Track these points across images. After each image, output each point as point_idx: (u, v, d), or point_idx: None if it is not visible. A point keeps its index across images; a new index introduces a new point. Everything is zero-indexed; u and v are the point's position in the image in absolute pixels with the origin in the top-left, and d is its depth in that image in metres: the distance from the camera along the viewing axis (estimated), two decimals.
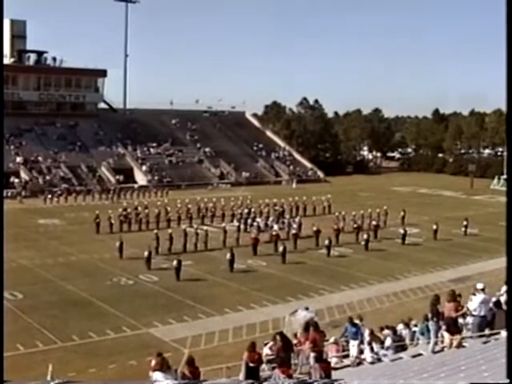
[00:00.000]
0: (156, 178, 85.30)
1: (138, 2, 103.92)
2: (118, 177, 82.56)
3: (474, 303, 16.40)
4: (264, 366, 14.94)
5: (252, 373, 14.47)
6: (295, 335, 19.24)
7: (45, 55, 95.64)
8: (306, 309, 19.97)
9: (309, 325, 16.08)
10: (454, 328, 15.13)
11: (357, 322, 19.99)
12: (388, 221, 54.31)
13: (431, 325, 16.80)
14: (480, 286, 17.35)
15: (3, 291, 28.11)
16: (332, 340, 20.44)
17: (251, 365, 14.44)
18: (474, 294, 16.78)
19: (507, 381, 8.55)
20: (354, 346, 17.59)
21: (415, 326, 21.27)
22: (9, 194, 70.14)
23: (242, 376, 14.89)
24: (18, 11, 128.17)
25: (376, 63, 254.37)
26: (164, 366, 13.72)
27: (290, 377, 11.85)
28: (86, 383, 21.56)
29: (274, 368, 13.48)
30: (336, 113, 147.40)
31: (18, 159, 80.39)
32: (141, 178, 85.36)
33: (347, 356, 19.51)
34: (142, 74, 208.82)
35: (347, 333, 17.88)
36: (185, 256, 40.46)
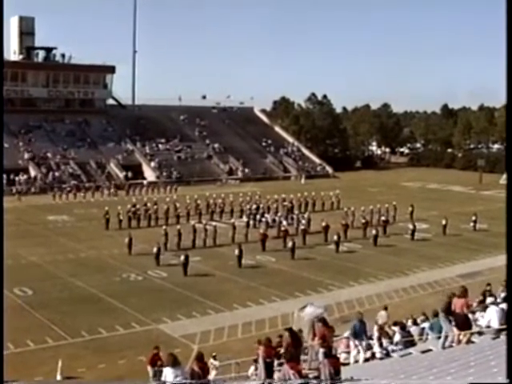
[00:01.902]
0: (165, 174, 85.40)
1: None
2: (126, 173, 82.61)
3: (487, 317, 16.34)
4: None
5: (269, 368, 14.49)
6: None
7: (53, 52, 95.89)
8: (306, 305, 19.99)
9: (318, 320, 16.06)
10: (463, 324, 15.08)
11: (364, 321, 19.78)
12: (397, 216, 54.17)
13: (443, 320, 16.79)
14: (490, 299, 17.40)
15: (3, 291, 28.06)
16: (345, 335, 20.48)
17: (268, 360, 14.45)
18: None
19: (507, 381, 8.53)
20: (357, 346, 17.44)
21: (424, 321, 21.24)
22: (18, 191, 70.35)
23: (260, 372, 14.85)
24: (26, 8, 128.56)
25: (385, 58, 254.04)
26: (174, 362, 13.73)
27: (299, 373, 11.82)
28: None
29: (282, 363, 13.46)
30: (344, 108, 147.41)
31: (27, 156, 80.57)
32: (150, 174, 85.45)
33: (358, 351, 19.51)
34: (151, 71, 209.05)
35: (356, 331, 17.75)
36: (194, 252, 40.53)
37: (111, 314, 29.39)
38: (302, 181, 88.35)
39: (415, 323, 21.54)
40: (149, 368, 19.71)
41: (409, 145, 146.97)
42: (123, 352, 24.67)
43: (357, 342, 17.27)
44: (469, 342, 14.89)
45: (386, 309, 24.43)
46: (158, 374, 18.09)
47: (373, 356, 17.66)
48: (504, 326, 15.20)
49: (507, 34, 11.89)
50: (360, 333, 17.36)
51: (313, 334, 16.50)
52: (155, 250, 38.73)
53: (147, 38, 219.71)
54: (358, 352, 17.28)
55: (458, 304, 15.25)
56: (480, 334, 15.40)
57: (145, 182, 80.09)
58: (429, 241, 47.33)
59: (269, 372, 14.46)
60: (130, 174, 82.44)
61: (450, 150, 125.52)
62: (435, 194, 75.54)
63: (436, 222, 51.69)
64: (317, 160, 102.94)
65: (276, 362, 15.49)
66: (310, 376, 12.92)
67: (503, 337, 14.64)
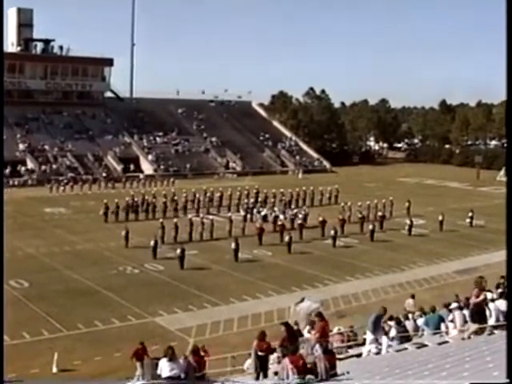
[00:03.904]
0: (162, 167, 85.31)
1: None
2: (124, 166, 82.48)
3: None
4: None
5: (261, 362, 14.52)
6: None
7: (51, 44, 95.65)
8: (302, 300, 20.00)
9: (315, 315, 16.08)
10: (476, 316, 15.07)
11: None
12: (394, 211, 54.21)
13: (457, 312, 16.92)
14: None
15: (3, 294, 27.98)
16: (335, 330, 20.52)
17: (260, 354, 14.49)
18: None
19: (507, 381, 8.54)
20: (372, 339, 17.22)
21: (420, 316, 21.25)
22: (15, 183, 70.34)
23: (251, 364, 14.92)
24: (25, 0, 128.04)
25: (383, 54, 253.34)
26: (172, 356, 13.75)
27: (297, 368, 11.79)
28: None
29: (283, 356, 13.45)
30: (343, 103, 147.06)
31: (25, 148, 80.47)
32: (147, 167, 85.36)
33: (352, 346, 19.54)
34: (149, 63, 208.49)
35: (374, 324, 17.48)
36: (190, 245, 40.56)
37: (107, 307, 29.41)
38: (300, 175, 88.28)
39: (407, 318, 21.48)
40: (137, 364, 19.55)
41: (406, 140, 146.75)
42: (119, 345, 24.66)
43: (372, 336, 17.14)
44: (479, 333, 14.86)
45: (413, 297, 24.42)
46: (150, 367, 18.08)
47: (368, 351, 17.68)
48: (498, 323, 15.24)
49: (507, 31, 11.85)
50: (376, 326, 17.20)
51: (309, 328, 16.52)
52: (152, 243, 38.74)
53: (145, 30, 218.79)
54: (376, 345, 17.12)
55: (472, 293, 15.31)
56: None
57: (141, 175, 79.88)
58: (425, 236, 47.34)
59: (261, 365, 14.50)
60: (131, 167, 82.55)
61: (447, 146, 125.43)
62: (432, 190, 75.54)
63: (433, 218, 51.72)
64: (314, 155, 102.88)
65: (274, 355, 15.53)
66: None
67: (498, 332, 14.67)
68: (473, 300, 15.13)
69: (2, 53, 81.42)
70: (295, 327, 19.16)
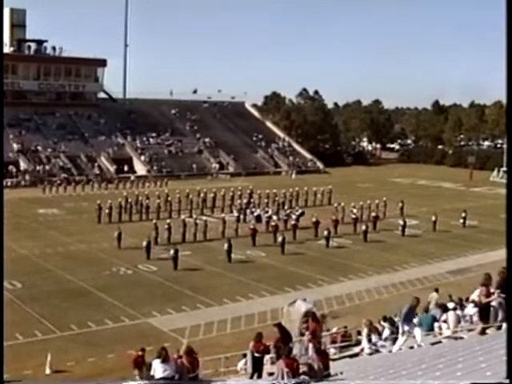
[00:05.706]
0: (155, 168, 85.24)
1: None
2: (117, 167, 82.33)
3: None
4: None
5: (256, 362, 14.52)
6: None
7: (44, 44, 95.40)
8: (304, 300, 19.97)
9: (307, 316, 16.09)
10: (484, 314, 15.05)
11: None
12: (387, 212, 54.25)
13: (451, 313, 16.86)
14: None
15: (3, 294, 27.95)
16: (335, 330, 20.57)
17: (256, 355, 14.47)
18: None
19: (507, 381, 8.55)
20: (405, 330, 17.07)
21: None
22: (8, 184, 70.12)
23: (247, 365, 14.90)
24: (17, 0, 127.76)
25: (376, 54, 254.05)
26: (165, 357, 13.74)
27: (292, 371, 11.77)
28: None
29: (277, 358, 13.43)
30: (336, 104, 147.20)
31: (18, 149, 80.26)
32: (140, 168, 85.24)
33: (347, 347, 19.58)
34: (142, 64, 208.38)
35: (405, 315, 17.21)
36: (184, 246, 40.53)
37: (100, 308, 29.38)
38: (293, 176, 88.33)
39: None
40: (135, 371, 19.28)
41: (399, 141, 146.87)
42: (112, 346, 24.65)
43: (405, 328, 17.03)
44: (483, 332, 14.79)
45: (436, 290, 24.45)
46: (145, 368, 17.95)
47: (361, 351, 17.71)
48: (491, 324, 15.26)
49: (507, 32, 11.85)
50: (409, 317, 17.11)
51: (304, 329, 16.52)
52: (145, 243, 38.71)
53: (139, 31, 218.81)
54: (405, 337, 17.00)
55: (481, 292, 15.20)
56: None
57: (132, 176, 79.38)
58: (419, 237, 47.40)
59: (257, 366, 14.49)
60: (125, 168, 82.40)
61: (440, 147, 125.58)
62: (425, 191, 75.64)
63: (426, 219, 51.79)
64: (308, 155, 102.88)
65: (268, 357, 15.53)
66: (300, 371, 12.94)
67: (491, 332, 14.69)
68: (483, 300, 15.00)
69: (2, 54, 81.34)
70: (304, 326, 19.15)
